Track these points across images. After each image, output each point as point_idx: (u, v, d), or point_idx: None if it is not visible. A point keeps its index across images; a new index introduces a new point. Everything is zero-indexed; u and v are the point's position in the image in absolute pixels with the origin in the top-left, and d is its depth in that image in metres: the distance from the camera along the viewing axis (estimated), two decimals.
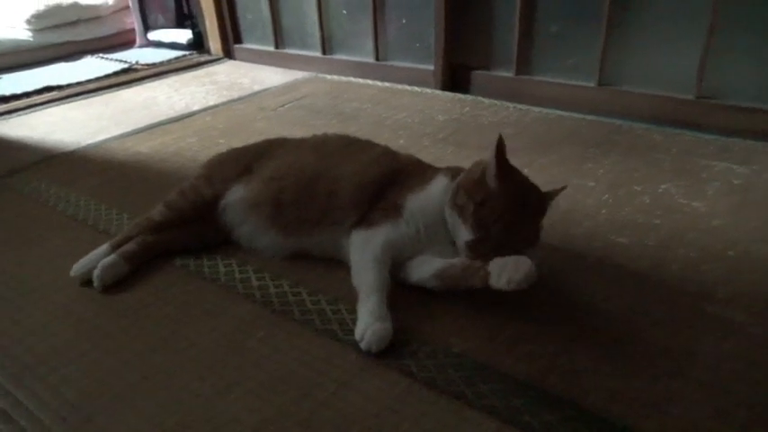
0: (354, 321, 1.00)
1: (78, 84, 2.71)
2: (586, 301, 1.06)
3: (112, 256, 1.15)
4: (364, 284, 1.02)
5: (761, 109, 1.80)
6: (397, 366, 0.91)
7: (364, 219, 1.12)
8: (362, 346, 0.93)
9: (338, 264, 1.15)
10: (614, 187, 1.49)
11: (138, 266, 1.18)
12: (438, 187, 1.11)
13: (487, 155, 1.01)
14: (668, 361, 0.90)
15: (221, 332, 1.01)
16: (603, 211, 1.37)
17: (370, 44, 2.61)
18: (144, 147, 1.94)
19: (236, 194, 1.24)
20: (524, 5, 2.15)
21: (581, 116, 2.05)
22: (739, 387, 0.85)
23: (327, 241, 1.17)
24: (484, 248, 0.99)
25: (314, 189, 1.18)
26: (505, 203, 0.99)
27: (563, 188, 1.08)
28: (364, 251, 1.07)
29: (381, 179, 1.16)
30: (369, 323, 0.94)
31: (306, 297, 1.09)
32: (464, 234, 1.01)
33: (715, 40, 1.82)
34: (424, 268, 1.05)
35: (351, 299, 1.06)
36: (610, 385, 0.86)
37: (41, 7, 3.20)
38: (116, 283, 1.14)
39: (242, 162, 1.31)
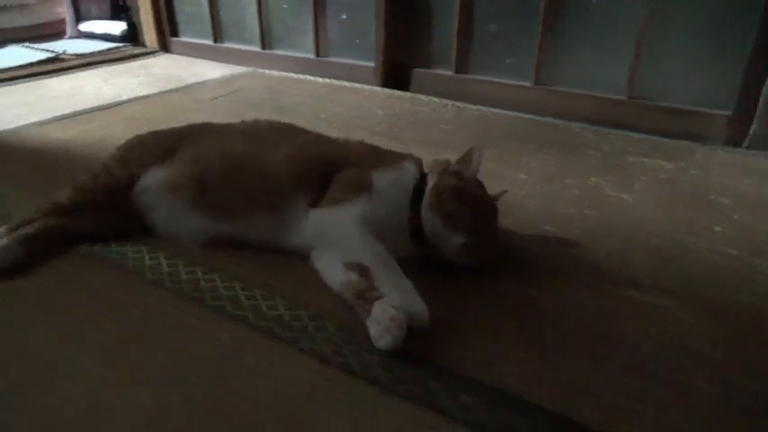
0: (271, 308, 0.94)
1: None
2: (513, 288, 1.03)
3: (4, 240, 1.04)
4: (370, 257, 0.96)
5: (689, 110, 1.86)
6: (312, 352, 0.85)
7: (322, 199, 1.07)
8: (417, 323, 0.87)
9: (261, 251, 1.09)
10: (546, 180, 1.49)
11: (37, 252, 1.08)
12: (408, 173, 1.11)
13: (455, 158, 1.10)
14: (593, 345, 0.88)
15: (128, 320, 0.93)
16: (533, 202, 1.36)
17: (310, 40, 2.56)
18: (66, 134, 1.81)
19: (155, 177, 1.16)
20: (463, 5, 2.15)
21: (518, 114, 2.07)
22: (662, 369, 0.83)
23: (263, 225, 1.10)
24: (477, 247, 1.02)
25: (242, 171, 1.11)
26: (487, 203, 1.09)
27: (504, 191, 1.17)
28: (343, 226, 1.02)
29: (323, 161, 1.12)
30: (412, 303, 0.89)
31: (219, 284, 1.02)
32: (456, 238, 1.01)
33: (646, 43, 1.86)
34: (334, 275, 1.00)
35: (268, 286, 1.00)
36: (532, 370, 0.83)
37: None
38: (14, 269, 1.04)
39: (163, 145, 1.22)
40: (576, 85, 2.05)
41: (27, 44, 3.05)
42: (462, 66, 2.25)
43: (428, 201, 1.05)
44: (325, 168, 1.11)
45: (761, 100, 1.72)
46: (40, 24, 3.32)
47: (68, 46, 3.04)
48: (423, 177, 1.11)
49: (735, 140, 1.80)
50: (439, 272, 1.05)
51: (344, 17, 2.45)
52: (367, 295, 0.91)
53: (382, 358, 0.84)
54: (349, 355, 0.85)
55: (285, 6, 2.61)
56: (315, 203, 1.07)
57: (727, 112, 1.80)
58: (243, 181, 1.10)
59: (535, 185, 1.45)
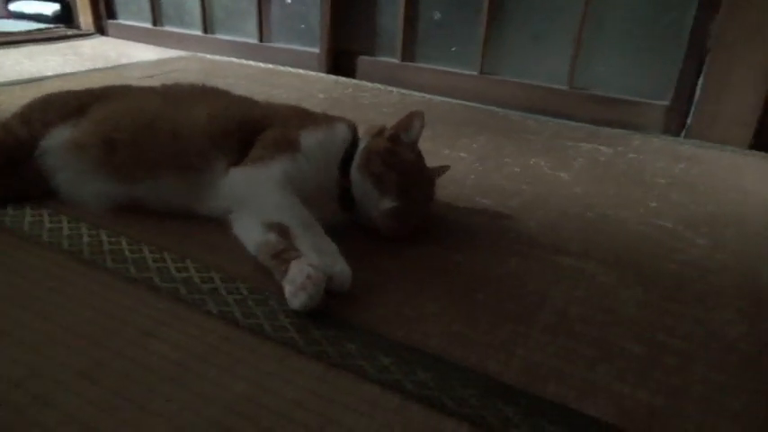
0: (180, 270, 0.86)
1: None
2: (439, 252, 0.98)
3: None
4: (289, 216, 0.90)
5: (628, 101, 1.87)
6: (220, 314, 0.78)
7: (242, 159, 0.99)
8: (338, 285, 0.82)
9: (172, 217, 1.01)
10: (485, 159, 1.46)
11: None
12: (339, 134, 1.05)
13: (391, 123, 1.05)
14: (517, 307, 0.84)
15: (8, 283, 0.83)
16: (472, 177, 1.33)
17: (253, 24, 2.49)
18: None
19: (60, 136, 1.05)
20: None
21: (462, 102, 2.04)
22: (586, 329, 0.80)
23: (178, 188, 1.01)
24: (405, 214, 0.97)
25: (156, 129, 1.02)
26: (420, 169, 1.03)
27: (446, 167, 1.13)
28: (263, 184, 0.94)
29: (247, 120, 1.05)
30: (333, 263, 0.84)
31: (125, 246, 0.93)
32: (384, 202, 0.95)
33: (586, 34, 1.88)
34: (251, 237, 0.92)
35: (178, 251, 0.92)
36: (455, 330, 0.78)
37: None
38: None
39: (72, 104, 1.12)
40: (520, 74, 2.04)
41: None
42: (408, 54, 2.22)
43: (358, 162, 1.00)
44: (248, 128, 1.04)
45: (697, 90, 1.75)
46: None
47: None
48: (355, 140, 1.06)
49: (672, 130, 1.83)
50: (365, 236, 0.99)
51: (289, 1, 2.39)
52: (284, 255, 0.84)
53: (297, 320, 0.78)
54: (260, 317, 0.78)
55: None
56: (235, 165, 1.00)
57: (665, 103, 1.83)
58: (156, 140, 1.02)
59: (473, 163, 1.42)
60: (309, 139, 1.01)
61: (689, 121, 1.79)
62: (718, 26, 1.67)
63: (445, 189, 1.23)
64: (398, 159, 0.99)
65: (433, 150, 1.47)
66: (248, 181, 0.96)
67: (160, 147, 1.02)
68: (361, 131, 1.09)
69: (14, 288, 0.82)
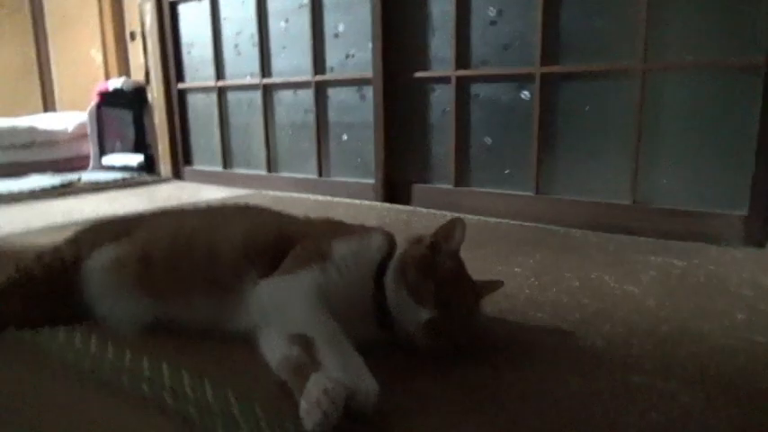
0: (195, 390, 0.79)
1: (9, 193, 2.60)
2: (486, 372, 0.86)
3: None
4: (313, 327, 0.83)
5: (699, 212, 1.74)
6: None
7: (273, 272, 0.95)
8: (363, 403, 0.72)
9: (202, 335, 0.96)
10: (541, 274, 1.35)
11: None
12: (374, 244, 0.99)
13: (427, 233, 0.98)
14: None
15: (23, 401, 0.79)
16: (526, 291, 1.22)
17: (313, 161, 2.61)
18: (47, 239, 1.77)
19: (103, 256, 1.07)
20: (458, 120, 2.17)
21: (518, 223, 1.97)
22: None
23: (210, 306, 0.97)
24: (442, 328, 0.87)
25: (191, 245, 1.02)
26: (461, 279, 0.94)
27: (499, 282, 1.01)
28: (288, 295, 0.89)
29: (281, 235, 1.02)
30: (358, 379, 0.74)
31: (145, 365, 0.88)
32: (421, 313, 0.87)
33: (644, 146, 1.81)
34: (274, 351, 0.85)
35: (199, 369, 0.86)
36: None
37: None
38: None
39: (121, 226, 1.15)
40: (578, 192, 1.97)
41: (49, 173, 3.19)
42: (461, 179, 2.22)
43: (392, 270, 0.93)
44: (283, 244, 1.01)
45: None
46: (66, 159, 3.51)
47: (87, 176, 3.16)
48: (392, 251, 1.00)
49: (754, 241, 1.65)
50: (404, 357, 0.89)
51: (345, 138, 2.51)
52: (305, 370, 0.76)
53: None
54: None
55: (290, 133, 2.69)
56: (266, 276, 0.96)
57: (742, 212, 1.68)
58: (191, 256, 1.00)
59: (528, 278, 1.31)
60: (342, 248, 0.96)
61: None
62: None
63: (497, 305, 1.12)
64: (436, 268, 0.92)
65: (484, 268, 1.38)
66: (275, 292, 0.91)
67: (195, 263, 1.00)
68: (399, 241, 1.03)
69: (31, 409, 0.77)
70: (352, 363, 0.78)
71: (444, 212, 2.13)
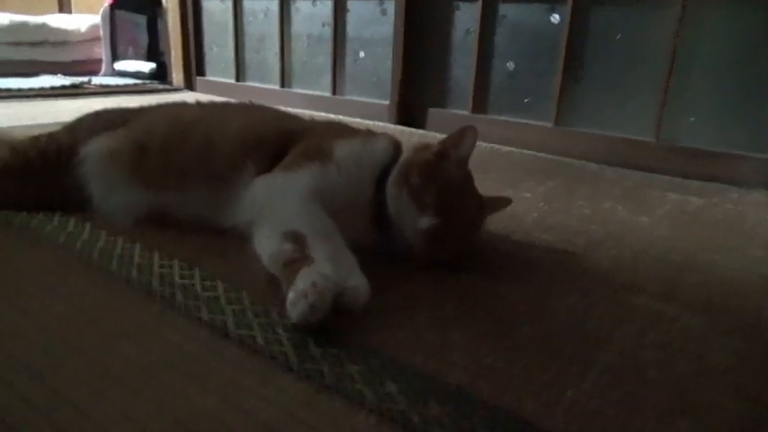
0: (184, 277, 0.77)
1: (18, 89, 2.56)
2: (480, 282, 0.84)
3: None
4: (307, 223, 0.79)
5: (724, 153, 1.66)
6: (210, 321, 0.67)
7: (270, 168, 0.92)
8: (353, 301, 0.69)
9: (198, 229, 0.94)
10: (552, 200, 1.30)
11: None
12: (378, 147, 0.95)
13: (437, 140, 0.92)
14: (571, 345, 0.67)
15: (4, 277, 0.78)
16: (534, 214, 1.18)
17: (327, 79, 2.52)
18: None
19: (99, 144, 1.03)
20: (482, 42, 2.07)
21: (535, 153, 1.91)
22: (663, 377, 0.61)
23: (205, 198, 0.94)
24: (441, 236, 0.84)
25: (188, 135, 0.98)
26: (466, 189, 0.90)
27: (507, 200, 0.98)
28: (283, 191, 0.86)
29: (282, 132, 0.98)
30: (349, 275, 0.72)
31: (137, 252, 0.86)
32: (422, 219, 0.83)
33: (673, 82, 1.71)
34: (266, 246, 0.80)
35: (191, 259, 0.84)
36: (485, 363, 0.62)
37: (6, 22, 3.14)
38: None
39: (119, 116, 1.12)
40: (599, 126, 1.89)
41: (60, 75, 3.13)
42: (479, 106, 2.14)
43: (395, 174, 0.89)
44: (284, 139, 0.97)
45: None
46: (77, 61, 3.44)
47: (97, 79, 3.10)
48: (397, 156, 0.95)
49: None
50: (400, 263, 0.87)
51: (362, 55, 2.41)
52: (296, 264, 0.73)
53: (298, 335, 0.65)
54: (255, 329, 0.66)
55: (306, 46, 2.59)
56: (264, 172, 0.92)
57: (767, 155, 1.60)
58: (187, 146, 0.97)
59: (538, 203, 1.27)
60: (344, 148, 0.92)
61: None
62: None
63: (500, 224, 1.08)
64: (441, 173, 0.88)
65: (493, 189, 1.33)
66: (271, 187, 0.88)
67: (191, 153, 0.96)
68: (406, 148, 0.98)
69: (8, 282, 0.76)
70: (345, 260, 0.75)
71: None
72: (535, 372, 0.61)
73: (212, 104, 1.12)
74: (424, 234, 0.83)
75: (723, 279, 0.89)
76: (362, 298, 0.70)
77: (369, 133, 1.01)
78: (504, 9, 2.02)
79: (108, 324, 0.66)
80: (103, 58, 3.42)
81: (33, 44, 3.26)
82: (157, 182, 0.97)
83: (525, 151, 1.92)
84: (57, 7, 4.36)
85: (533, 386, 0.58)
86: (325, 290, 0.65)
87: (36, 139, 1.07)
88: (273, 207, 0.85)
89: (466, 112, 2.17)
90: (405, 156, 0.93)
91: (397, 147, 0.98)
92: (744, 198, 1.45)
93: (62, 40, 3.37)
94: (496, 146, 1.98)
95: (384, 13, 2.30)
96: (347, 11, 2.41)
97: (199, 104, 1.11)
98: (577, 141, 1.90)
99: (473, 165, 0.92)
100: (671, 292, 0.83)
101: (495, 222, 1.04)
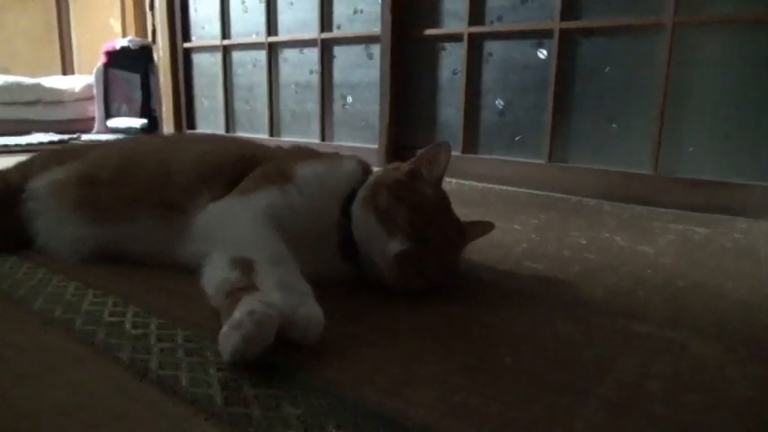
0: (114, 314, 0.67)
1: (5, 146, 2.53)
2: (458, 309, 0.73)
3: None
4: (257, 248, 0.70)
5: (726, 183, 1.57)
6: (129, 361, 0.57)
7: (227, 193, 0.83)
8: (304, 333, 0.60)
9: (147, 264, 0.84)
10: (545, 231, 1.20)
11: None
12: (344, 170, 0.87)
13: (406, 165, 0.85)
14: (563, 376, 0.56)
15: None
16: (524, 245, 1.07)
17: (316, 124, 2.48)
18: None
19: (47, 177, 0.96)
20: (470, 81, 2.03)
21: (528, 191, 1.82)
22: (672, 411, 0.50)
23: (157, 229, 0.85)
24: (415, 262, 0.75)
25: (141, 165, 0.91)
26: (442, 211, 0.81)
27: (489, 224, 0.88)
28: (235, 216, 0.77)
29: (241, 157, 0.90)
30: (300, 304, 0.61)
31: (71, 290, 0.76)
32: (391, 244, 0.74)
33: (668, 112, 1.65)
34: (212, 277, 0.71)
35: (128, 295, 0.74)
36: (457, 399, 0.51)
37: (0, 82, 3.16)
38: None
39: (74, 151, 1.05)
40: (594, 160, 1.81)
41: (51, 133, 3.11)
42: (469, 146, 2.07)
43: (362, 195, 0.80)
44: (242, 166, 0.89)
45: None
46: (72, 120, 3.44)
47: (87, 136, 3.08)
48: (365, 180, 0.87)
49: None
50: (371, 293, 0.77)
51: (350, 100, 2.38)
52: (239, 294, 0.63)
53: (233, 374, 0.54)
54: (183, 368, 0.56)
55: (294, 93, 2.57)
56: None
57: None
58: (141, 174, 0.89)
59: (529, 234, 1.17)
60: (306, 170, 0.84)
61: None
62: None
63: (486, 254, 0.98)
64: (413, 194, 0.79)
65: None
66: (223, 212, 0.79)
67: (144, 182, 0.88)
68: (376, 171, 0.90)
69: None
70: (297, 287, 0.65)
71: (450, 179, 1.99)
72: (516, 409, 0.50)
73: (174, 136, 1.05)
74: (395, 260, 0.74)
75: (736, 305, 0.78)
76: (315, 329, 0.60)
77: (335, 155, 0.93)
78: (489, 47, 1.98)
79: (11, 365, 0.55)
80: (96, 115, 3.42)
81: (27, 104, 3.27)
82: (107, 215, 0.88)
83: (518, 189, 1.84)
84: (60, 71, 4.44)
85: (513, 426, 0.47)
86: (264, 319, 0.55)
87: None
88: (224, 233, 0.76)
89: (456, 153, 2.10)
90: (373, 176, 0.85)
91: (365, 169, 0.90)
92: (753, 227, 1.35)
93: (56, 99, 3.39)
94: (489, 185, 1.90)
95: (370, 57, 2.28)
96: (334, 57, 2.40)
97: (159, 137, 1.05)
98: (573, 177, 1.82)
99: (461, 202, 0.83)
100: (677, 318, 0.72)
101: (478, 251, 0.95)
